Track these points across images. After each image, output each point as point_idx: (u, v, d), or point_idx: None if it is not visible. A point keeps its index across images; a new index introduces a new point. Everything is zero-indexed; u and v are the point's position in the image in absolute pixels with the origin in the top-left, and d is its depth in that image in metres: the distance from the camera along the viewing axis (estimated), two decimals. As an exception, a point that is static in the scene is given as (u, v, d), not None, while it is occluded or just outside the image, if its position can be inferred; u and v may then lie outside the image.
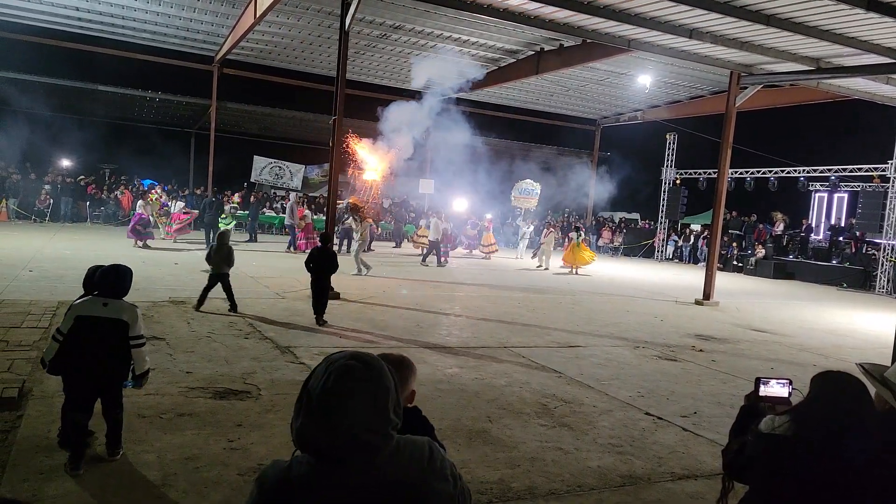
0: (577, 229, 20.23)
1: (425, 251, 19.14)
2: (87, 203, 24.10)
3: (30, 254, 13.76)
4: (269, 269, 14.70)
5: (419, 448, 1.46)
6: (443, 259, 18.92)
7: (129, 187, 25.15)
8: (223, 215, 20.10)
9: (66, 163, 29.36)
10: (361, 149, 18.92)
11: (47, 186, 23.50)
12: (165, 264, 13.86)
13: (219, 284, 9.34)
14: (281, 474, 1.38)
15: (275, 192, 28.41)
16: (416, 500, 1.40)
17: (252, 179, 26.95)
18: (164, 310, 9.07)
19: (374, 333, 8.80)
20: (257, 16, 15.76)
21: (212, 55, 22.92)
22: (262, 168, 26.76)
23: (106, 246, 16.32)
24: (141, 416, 5.00)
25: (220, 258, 9.37)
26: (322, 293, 9.19)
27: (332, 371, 1.37)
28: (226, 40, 20.39)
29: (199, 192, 25.09)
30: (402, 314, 10.37)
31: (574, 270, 19.07)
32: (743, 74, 14.69)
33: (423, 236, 21.07)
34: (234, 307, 9.36)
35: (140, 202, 18.42)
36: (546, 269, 19.57)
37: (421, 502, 1.41)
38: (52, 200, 23.13)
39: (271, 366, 6.76)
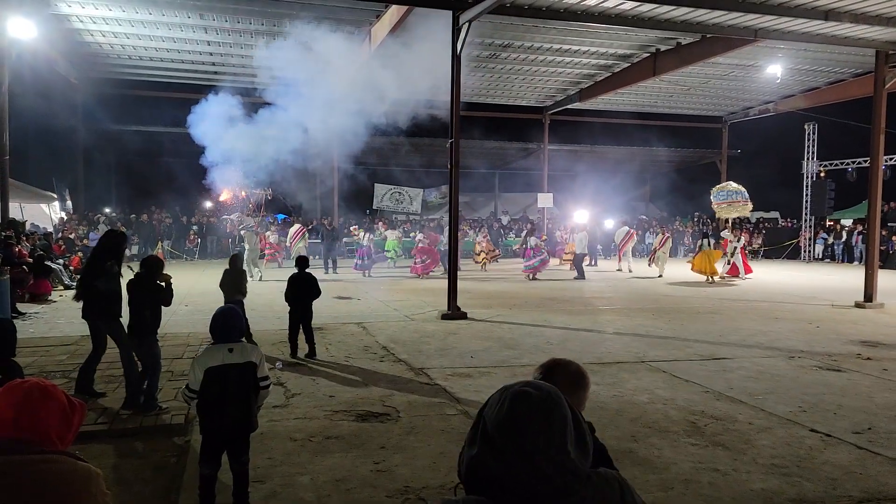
0: (706, 235, 19.08)
1: (576, 267, 18.93)
2: (230, 240, 26.17)
3: (184, 290, 15.04)
4: (395, 292, 15.12)
5: (610, 486, 1.34)
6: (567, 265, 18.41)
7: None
8: (390, 246, 21.05)
9: (208, 204, 32.11)
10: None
11: (195, 227, 25.85)
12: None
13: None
14: None
15: (396, 217, 29.39)
16: None
17: (374, 206, 28.06)
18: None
19: (503, 353, 8.74)
20: (373, 47, 16.46)
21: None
22: (383, 195, 27.81)
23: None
24: (293, 440, 5.25)
25: (231, 282, 9.06)
26: (305, 322, 8.52)
27: (507, 397, 1.30)
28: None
29: (325, 222, 26.39)
30: (530, 331, 10.22)
31: (710, 278, 17.95)
32: (891, 52, 13.27)
33: (570, 252, 20.89)
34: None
35: (364, 234, 19.68)
36: (660, 276, 18.83)
37: None
38: (199, 240, 25.40)
39: (407, 388, 6.88)
